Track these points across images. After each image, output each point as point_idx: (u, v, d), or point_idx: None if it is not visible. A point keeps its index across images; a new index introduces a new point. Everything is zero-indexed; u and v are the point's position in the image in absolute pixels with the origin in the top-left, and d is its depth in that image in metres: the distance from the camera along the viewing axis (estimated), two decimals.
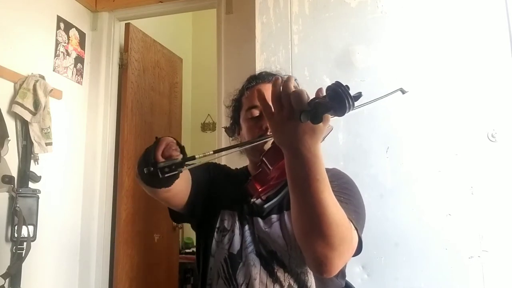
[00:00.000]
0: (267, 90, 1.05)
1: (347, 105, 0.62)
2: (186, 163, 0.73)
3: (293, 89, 0.68)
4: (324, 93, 0.67)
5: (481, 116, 1.49)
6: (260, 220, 0.99)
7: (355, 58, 1.63)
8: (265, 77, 1.11)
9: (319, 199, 0.72)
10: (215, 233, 1.02)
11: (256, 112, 1.04)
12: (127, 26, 2.60)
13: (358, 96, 0.66)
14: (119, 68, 2.58)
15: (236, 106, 1.13)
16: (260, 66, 1.69)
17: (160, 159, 0.75)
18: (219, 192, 1.09)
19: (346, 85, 0.63)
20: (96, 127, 2.43)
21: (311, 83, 1.64)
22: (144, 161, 0.78)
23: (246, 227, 1.00)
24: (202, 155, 0.73)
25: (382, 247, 1.49)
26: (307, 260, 0.81)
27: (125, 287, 2.41)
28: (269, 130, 0.99)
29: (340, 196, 0.88)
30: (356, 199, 0.96)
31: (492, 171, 1.45)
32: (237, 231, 1.00)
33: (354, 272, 1.47)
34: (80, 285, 2.26)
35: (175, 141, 0.79)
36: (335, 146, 1.57)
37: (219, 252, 1.00)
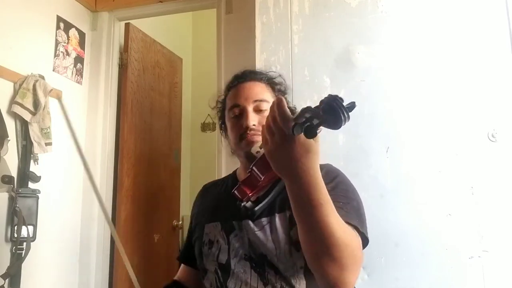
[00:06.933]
0: (248, 89, 1.08)
1: (342, 118, 0.61)
2: None
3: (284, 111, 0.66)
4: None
5: (481, 116, 1.49)
6: (250, 222, 0.99)
7: (355, 58, 1.63)
8: (247, 75, 1.12)
9: (326, 223, 0.71)
10: (203, 248, 1.04)
11: (236, 111, 1.06)
12: (127, 26, 2.60)
13: (352, 106, 0.64)
14: (119, 68, 2.57)
15: (222, 107, 1.15)
16: (260, 66, 1.69)
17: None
18: (200, 211, 1.14)
19: (340, 98, 0.62)
20: (96, 127, 2.42)
21: (311, 83, 1.63)
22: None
23: (232, 234, 1.00)
24: None
25: (382, 248, 1.49)
26: (320, 282, 0.80)
27: (125, 287, 2.41)
28: (249, 129, 1.02)
29: (339, 201, 0.87)
30: (354, 199, 0.95)
31: (492, 171, 1.45)
32: (222, 240, 1.01)
33: None
34: (80, 285, 2.26)
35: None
36: (335, 146, 1.57)
37: (209, 264, 1.02)
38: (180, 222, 2.95)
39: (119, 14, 2.56)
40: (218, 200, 1.10)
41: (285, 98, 1.07)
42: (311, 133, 0.63)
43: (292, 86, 1.66)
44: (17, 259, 1.82)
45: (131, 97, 2.59)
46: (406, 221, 1.49)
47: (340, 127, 0.62)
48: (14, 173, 1.87)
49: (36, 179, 1.97)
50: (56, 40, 2.21)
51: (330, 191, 0.88)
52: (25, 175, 1.92)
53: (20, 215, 1.83)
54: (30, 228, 1.88)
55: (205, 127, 3.89)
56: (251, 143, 1.01)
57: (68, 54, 2.30)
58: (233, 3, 2.18)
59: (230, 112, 1.07)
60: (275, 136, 0.68)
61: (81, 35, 2.41)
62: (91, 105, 2.44)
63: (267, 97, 1.06)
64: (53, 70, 2.18)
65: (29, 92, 1.93)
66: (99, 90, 2.45)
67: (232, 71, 1.90)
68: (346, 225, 0.78)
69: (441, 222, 1.46)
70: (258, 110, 1.04)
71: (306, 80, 1.64)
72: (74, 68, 2.34)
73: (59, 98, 2.05)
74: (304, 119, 0.64)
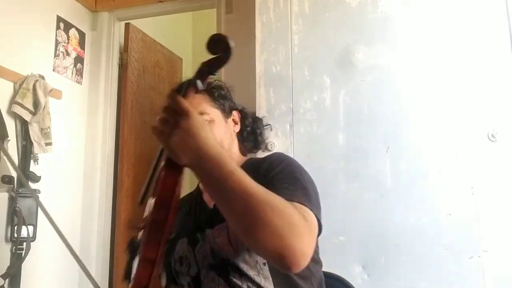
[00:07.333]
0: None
1: (229, 42, 0.70)
2: None
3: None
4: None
5: (481, 116, 1.49)
6: (210, 231, 0.98)
7: (355, 58, 1.63)
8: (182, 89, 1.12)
9: (243, 186, 0.68)
10: (175, 265, 1.05)
11: None
12: (127, 26, 2.60)
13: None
14: (119, 68, 2.57)
15: None
16: (260, 66, 1.69)
17: None
18: (175, 228, 1.13)
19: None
20: (96, 127, 2.42)
21: (311, 83, 1.63)
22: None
23: (197, 247, 1.00)
24: None
25: (382, 247, 1.49)
26: (269, 261, 0.77)
27: (124, 286, 2.41)
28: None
29: (285, 183, 0.86)
30: (300, 179, 0.91)
31: (492, 171, 1.45)
32: (189, 255, 1.01)
33: (354, 272, 1.47)
34: (80, 285, 2.26)
35: None
36: (335, 146, 1.57)
37: (183, 280, 1.03)
38: None
39: (119, 14, 2.56)
40: (185, 215, 1.10)
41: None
42: (214, 67, 0.73)
43: (292, 86, 1.66)
44: (17, 259, 1.82)
45: (131, 97, 2.59)
46: (406, 221, 1.49)
47: (230, 53, 0.70)
48: (14, 173, 1.87)
49: (36, 179, 1.98)
50: (56, 40, 2.21)
51: (277, 175, 0.89)
52: (25, 175, 1.92)
53: (20, 215, 1.83)
54: (30, 228, 1.88)
55: None
56: None
57: (68, 54, 2.30)
58: (233, 3, 2.18)
59: None
60: (169, 122, 0.68)
61: (81, 35, 2.41)
62: (91, 105, 2.44)
63: (204, 109, 1.04)
64: (53, 70, 2.18)
65: (29, 92, 1.93)
66: (99, 90, 2.45)
67: (232, 71, 1.91)
68: (270, 191, 0.71)
69: (441, 222, 1.46)
70: None
71: (306, 80, 1.64)
72: (74, 68, 2.34)
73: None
74: (194, 75, 0.74)
